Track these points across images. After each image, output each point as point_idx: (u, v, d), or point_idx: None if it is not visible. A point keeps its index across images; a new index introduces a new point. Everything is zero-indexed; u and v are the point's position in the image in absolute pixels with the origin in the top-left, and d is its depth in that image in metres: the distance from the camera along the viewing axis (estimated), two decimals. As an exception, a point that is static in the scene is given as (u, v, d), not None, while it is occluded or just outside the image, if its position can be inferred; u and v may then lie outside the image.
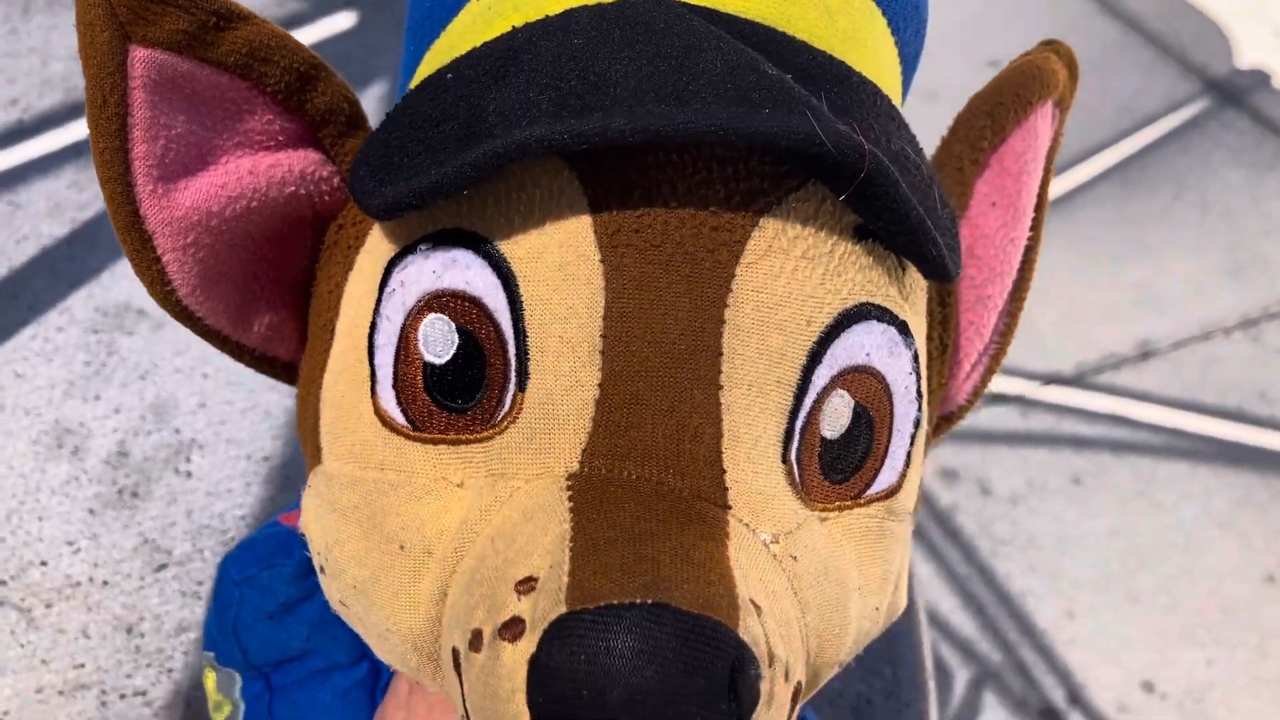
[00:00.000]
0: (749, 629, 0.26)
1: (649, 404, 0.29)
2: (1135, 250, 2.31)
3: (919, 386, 0.34)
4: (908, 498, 0.35)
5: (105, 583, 0.67)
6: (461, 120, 0.29)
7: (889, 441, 0.33)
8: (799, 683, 0.29)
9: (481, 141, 0.28)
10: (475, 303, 0.30)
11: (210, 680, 0.47)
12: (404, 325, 0.31)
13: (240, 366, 0.92)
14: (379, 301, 0.32)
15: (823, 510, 0.32)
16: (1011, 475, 1.93)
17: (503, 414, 0.30)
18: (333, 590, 0.35)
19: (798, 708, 0.30)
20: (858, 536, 0.33)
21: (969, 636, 1.69)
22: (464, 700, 0.28)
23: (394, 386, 0.31)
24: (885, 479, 0.33)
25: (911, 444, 0.34)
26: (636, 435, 0.29)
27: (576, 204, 0.30)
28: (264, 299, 0.37)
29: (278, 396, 0.82)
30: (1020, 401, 2.04)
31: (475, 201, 0.30)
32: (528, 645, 0.26)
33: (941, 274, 0.32)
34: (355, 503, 0.33)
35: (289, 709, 0.43)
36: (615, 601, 0.25)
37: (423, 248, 0.31)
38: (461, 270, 0.30)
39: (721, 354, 0.30)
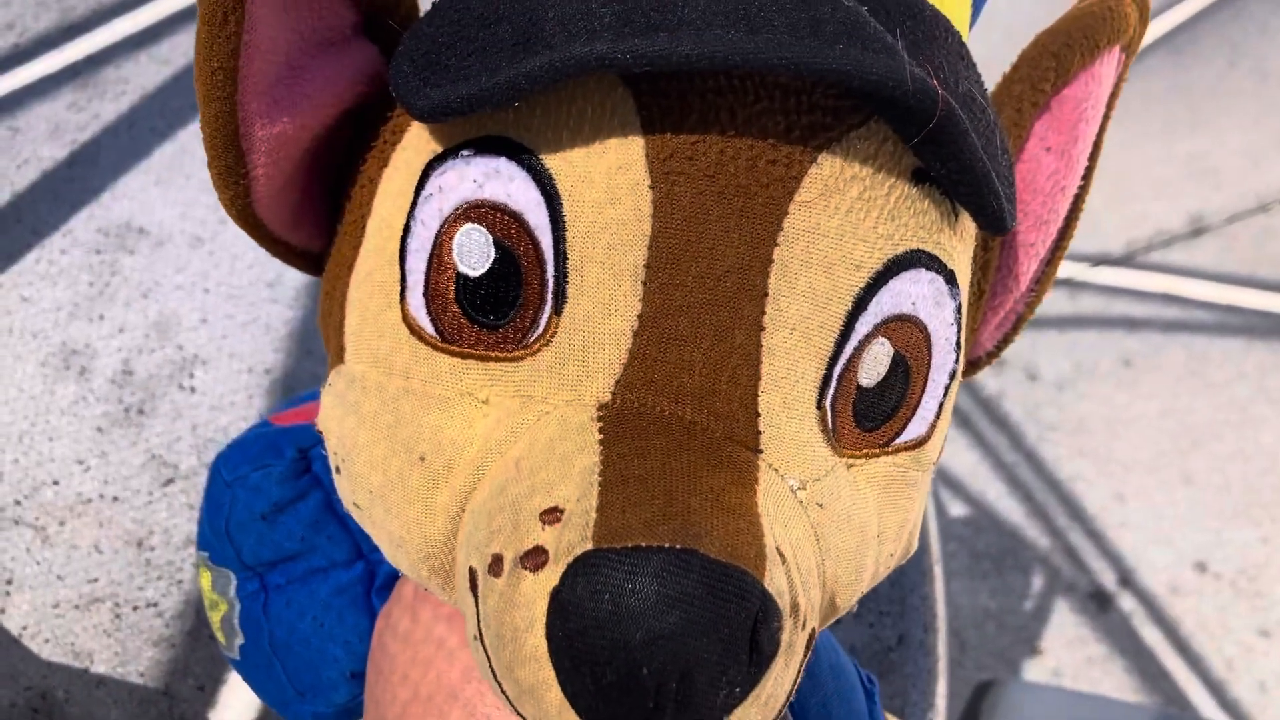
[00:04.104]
0: (774, 580, 0.26)
1: (688, 341, 0.28)
2: (1187, 123, 2.22)
3: (959, 338, 0.33)
4: (934, 449, 0.34)
5: (115, 499, 0.68)
6: (517, 25, 0.28)
7: (923, 392, 0.32)
8: (813, 629, 0.29)
9: (538, 52, 0.27)
10: (516, 217, 0.29)
11: (205, 580, 0.46)
12: (439, 233, 0.30)
13: (240, 281, 0.93)
14: (414, 205, 0.31)
15: (850, 457, 0.31)
16: (1059, 360, 1.90)
17: (535, 335, 0.29)
18: (347, 492, 0.34)
19: (810, 651, 0.30)
20: (882, 485, 0.32)
21: (1016, 523, 1.68)
22: (478, 622, 0.28)
23: (424, 295, 0.30)
24: (915, 429, 0.33)
25: (945, 395, 0.33)
26: (673, 371, 0.28)
27: (629, 124, 0.28)
28: (316, 197, 0.37)
29: (278, 309, 0.82)
30: (1068, 284, 1.99)
31: (522, 109, 0.29)
32: (550, 577, 0.25)
33: (999, 227, 0.30)
34: (377, 408, 0.32)
35: (284, 607, 0.43)
36: (644, 543, 0.25)
37: (464, 153, 0.30)
38: (504, 182, 0.29)
39: (767, 295, 0.29)
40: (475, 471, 0.30)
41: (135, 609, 0.64)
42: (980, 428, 1.80)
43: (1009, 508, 1.70)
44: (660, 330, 0.29)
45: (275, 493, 0.43)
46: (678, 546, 0.25)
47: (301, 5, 0.31)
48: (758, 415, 0.29)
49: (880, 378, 0.31)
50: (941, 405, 0.33)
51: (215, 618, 0.46)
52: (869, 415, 0.31)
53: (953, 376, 0.33)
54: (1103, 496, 1.71)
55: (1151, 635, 1.53)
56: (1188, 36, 2.32)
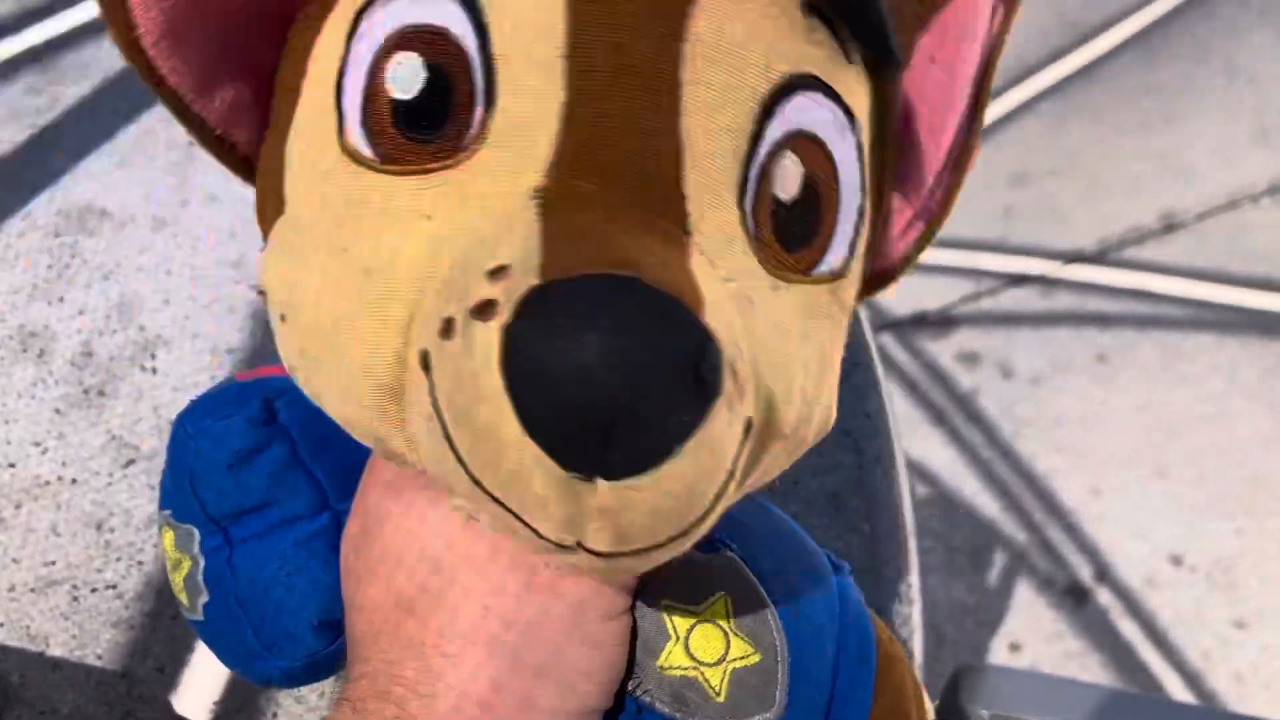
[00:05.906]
0: (714, 319, 0.27)
1: (614, 123, 0.30)
2: (1159, 120, 2.23)
3: (862, 178, 0.34)
4: (850, 287, 0.36)
5: (74, 481, 0.66)
6: None
7: (836, 220, 0.34)
8: (749, 419, 0.29)
9: None
10: (442, 34, 0.31)
11: (168, 539, 0.45)
12: (372, 65, 0.31)
13: (203, 262, 0.92)
14: (346, 50, 0.32)
15: (773, 274, 0.32)
16: (1034, 356, 1.90)
17: (470, 136, 0.30)
18: (291, 341, 0.34)
19: (747, 449, 0.29)
20: (805, 310, 0.33)
21: (992, 518, 1.68)
22: (433, 399, 0.28)
23: (362, 124, 0.31)
24: (831, 259, 0.34)
25: (855, 233, 0.35)
26: (602, 152, 0.30)
27: None
28: (228, 72, 0.36)
29: (241, 290, 0.81)
30: (1042, 281, 2.00)
31: None
32: (502, 316, 0.25)
33: (884, 48, 0.32)
34: (320, 237, 0.32)
35: (249, 560, 0.42)
36: (590, 272, 0.26)
37: None
38: (428, 5, 0.31)
39: (680, 85, 0.30)
40: (423, 276, 0.30)
41: (94, 591, 0.62)
42: (955, 424, 1.80)
43: (985, 503, 1.70)
44: (586, 113, 0.30)
45: (238, 442, 0.42)
46: (622, 273, 0.26)
47: None
48: (684, 196, 0.30)
49: (794, 195, 0.32)
50: (853, 243, 0.34)
51: (178, 579, 0.45)
52: (788, 233, 0.32)
53: (861, 215, 0.34)
54: (1078, 491, 1.71)
55: (1128, 628, 1.53)
56: (1158, 35, 2.34)
